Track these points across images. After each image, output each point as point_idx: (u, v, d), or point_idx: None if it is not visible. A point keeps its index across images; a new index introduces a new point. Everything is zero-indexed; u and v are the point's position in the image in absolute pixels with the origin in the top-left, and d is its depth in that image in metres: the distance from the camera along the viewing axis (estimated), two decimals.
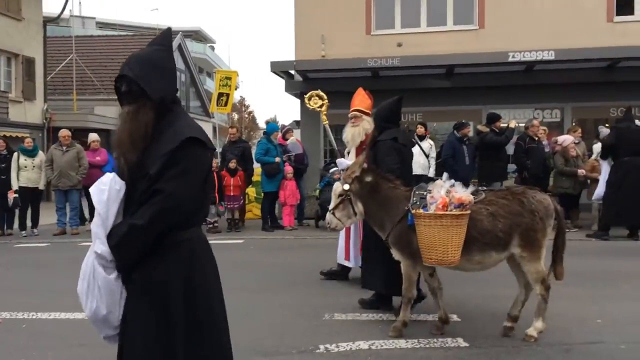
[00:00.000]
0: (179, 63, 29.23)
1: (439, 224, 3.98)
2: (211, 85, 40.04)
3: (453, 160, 10.02)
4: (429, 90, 13.42)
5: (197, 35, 44.21)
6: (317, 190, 10.71)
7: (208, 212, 2.02)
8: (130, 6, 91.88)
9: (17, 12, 19.10)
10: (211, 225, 10.52)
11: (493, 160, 10.14)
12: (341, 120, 14.32)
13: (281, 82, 14.52)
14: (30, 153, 10.43)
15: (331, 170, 10.17)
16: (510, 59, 12.13)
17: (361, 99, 6.00)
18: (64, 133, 10.62)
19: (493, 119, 10.41)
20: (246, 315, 5.05)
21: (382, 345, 4.25)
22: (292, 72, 13.87)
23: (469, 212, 4.04)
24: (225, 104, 13.44)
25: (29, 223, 10.70)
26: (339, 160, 5.98)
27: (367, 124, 5.71)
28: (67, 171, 10.32)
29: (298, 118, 27.52)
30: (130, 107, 2.21)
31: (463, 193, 4.08)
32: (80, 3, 62.31)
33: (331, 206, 4.61)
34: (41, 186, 10.39)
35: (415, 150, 10.65)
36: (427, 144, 10.83)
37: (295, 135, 12.26)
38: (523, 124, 11.99)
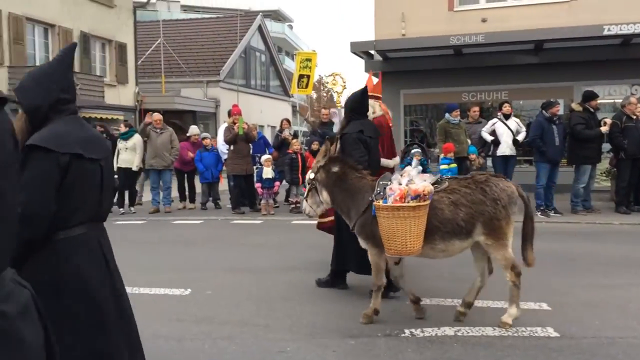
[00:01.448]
0: (259, 44, 29.77)
1: (397, 215, 4.02)
2: (290, 64, 40.47)
3: (541, 141, 9.63)
4: (515, 67, 12.93)
5: (276, 15, 44.66)
6: None
7: (104, 210, 2.55)
8: None
9: None
10: (294, 206, 10.81)
11: (585, 141, 9.65)
12: (421, 100, 14.19)
13: (360, 61, 14.48)
14: (124, 136, 11.10)
15: (412, 152, 10.10)
16: (606, 33, 11.39)
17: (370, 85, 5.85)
18: (157, 117, 11.23)
19: (589, 97, 9.86)
20: (328, 298, 5.20)
21: (468, 332, 4.25)
22: (372, 52, 13.78)
23: (427, 202, 4.06)
24: (306, 86, 13.61)
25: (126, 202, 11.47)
26: None
27: (370, 108, 5.57)
28: (161, 152, 10.97)
29: None
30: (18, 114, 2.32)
31: (422, 184, 4.09)
32: None
33: (305, 194, 4.84)
34: (135, 167, 11.06)
35: (502, 129, 10.33)
36: (514, 123, 10.44)
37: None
38: (619, 101, 11.29)
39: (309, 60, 13.45)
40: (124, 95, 20.83)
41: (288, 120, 12.15)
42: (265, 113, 27.31)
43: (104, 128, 11.63)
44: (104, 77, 19.56)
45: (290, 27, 46.09)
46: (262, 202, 10.88)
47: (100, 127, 11.57)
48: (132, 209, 11.37)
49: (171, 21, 29.52)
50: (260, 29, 29.20)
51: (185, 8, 41.97)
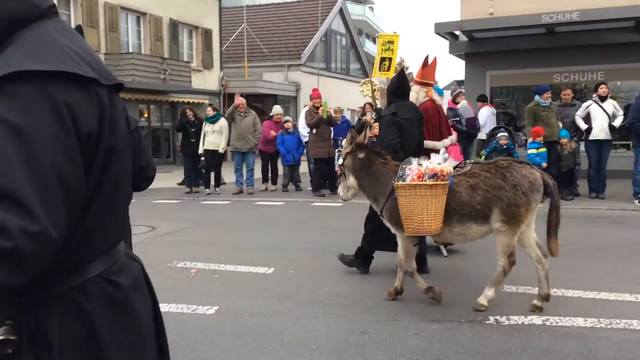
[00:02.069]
0: (340, 27, 29.68)
1: (414, 193, 4.13)
2: (371, 47, 40.08)
3: None
4: (612, 45, 12.11)
5: None
6: (483, 157, 10.36)
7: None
8: None
9: None
10: None
11: None
12: (509, 81, 13.62)
13: (443, 43, 14.11)
14: (212, 119, 11.49)
15: (498, 135, 9.77)
16: None
17: (423, 71, 5.99)
18: (240, 101, 11.55)
19: None
20: (407, 281, 5.16)
21: (557, 322, 4.09)
22: (457, 32, 13.37)
23: (445, 183, 4.12)
24: (388, 69, 13.41)
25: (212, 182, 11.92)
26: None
27: (414, 94, 5.76)
28: (245, 135, 11.29)
29: (458, 78, 26.36)
30: None
31: (440, 164, 4.17)
32: None
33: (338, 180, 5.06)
34: (221, 149, 11.44)
35: (597, 112, 9.75)
36: (610, 105, 9.81)
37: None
38: None
39: (391, 42, 13.20)
40: (209, 79, 21.54)
41: (370, 104, 12.08)
42: (346, 96, 27.27)
43: (193, 111, 12.09)
44: (190, 62, 20.30)
45: (372, 9, 45.57)
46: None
47: (189, 110, 12.05)
48: (217, 189, 11.80)
49: (254, 6, 30.04)
50: (341, 12, 29.10)
51: None
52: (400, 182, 4.24)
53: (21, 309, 1.12)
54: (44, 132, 1.01)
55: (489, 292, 4.34)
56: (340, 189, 5.05)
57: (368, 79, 7.32)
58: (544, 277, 4.30)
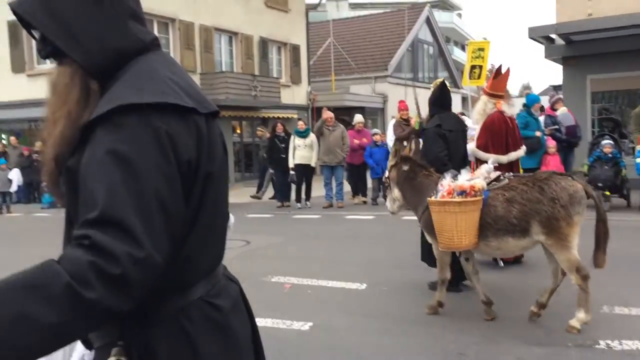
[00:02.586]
0: (427, 35, 29.30)
1: (444, 210, 4.17)
2: (459, 54, 39.23)
3: None
4: None
5: (444, 4, 43.55)
6: (585, 166, 9.78)
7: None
8: None
9: (284, 4, 21.38)
10: None
11: None
12: (612, 85, 12.77)
13: (537, 48, 13.50)
14: (303, 134, 11.71)
15: (602, 143, 9.19)
16: None
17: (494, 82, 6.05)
18: (328, 115, 11.68)
19: None
20: (503, 300, 4.95)
21: None
22: (553, 36, 12.76)
23: (476, 199, 4.11)
24: (479, 77, 13.04)
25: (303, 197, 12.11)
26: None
27: (481, 104, 5.96)
28: (333, 149, 11.41)
29: (554, 83, 25.13)
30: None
31: (472, 180, 4.21)
32: None
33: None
34: (313, 163, 11.62)
35: None
36: None
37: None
38: None
39: (482, 49, 12.87)
40: (297, 94, 21.99)
41: (463, 114, 11.79)
42: None
43: (284, 127, 12.39)
44: (280, 78, 20.83)
45: (459, 15, 44.64)
46: None
47: (280, 125, 12.35)
48: (308, 203, 11.97)
49: (340, 20, 30.38)
50: (428, 20, 28.74)
51: (353, 6, 42.90)
52: (432, 198, 4.31)
53: (131, 330, 1.18)
54: (148, 161, 1.07)
55: (580, 315, 4.10)
56: (387, 201, 5.15)
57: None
58: (551, 290, 4.36)
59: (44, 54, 1.23)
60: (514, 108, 6.53)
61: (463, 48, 38.07)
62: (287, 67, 21.80)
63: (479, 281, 4.58)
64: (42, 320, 0.95)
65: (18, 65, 16.91)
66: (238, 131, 19.81)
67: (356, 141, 11.88)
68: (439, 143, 5.09)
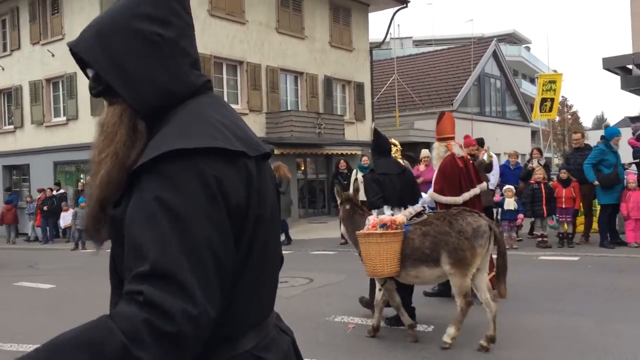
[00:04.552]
0: (494, 69, 28.81)
1: (368, 241, 4.71)
2: (527, 87, 38.30)
3: None
4: None
5: (511, 38, 42.94)
6: None
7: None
8: (446, 20, 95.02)
9: (348, 44, 21.71)
10: (540, 240, 9.96)
11: None
12: None
13: (612, 79, 12.91)
14: (366, 169, 11.60)
15: None
16: None
17: (438, 127, 6.43)
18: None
19: None
20: (599, 348, 4.55)
21: None
22: (630, 66, 12.17)
23: (395, 232, 4.64)
24: (550, 109, 12.63)
25: None
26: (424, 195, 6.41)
27: (435, 151, 6.36)
28: None
29: (630, 114, 23.94)
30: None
31: (392, 216, 4.81)
32: (398, 25, 67.41)
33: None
34: None
35: None
36: None
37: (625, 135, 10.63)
38: None
39: (553, 82, 12.49)
40: (361, 131, 22.05)
41: (539, 150, 11.34)
42: (502, 141, 26.12)
43: (347, 164, 12.36)
44: (344, 115, 20.99)
45: (528, 48, 43.76)
46: (504, 235, 10.26)
47: (343, 162, 12.34)
48: None
49: (404, 57, 30.48)
50: (494, 54, 28.31)
51: (418, 43, 43.07)
52: (359, 231, 4.89)
53: None
54: (197, 209, 1.03)
55: (451, 330, 4.63)
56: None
57: (391, 140, 7.78)
58: (491, 320, 4.55)
59: (95, 92, 1.22)
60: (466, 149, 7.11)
61: (532, 81, 37.14)
62: (351, 105, 21.97)
63: (381, 310, 5.20)
64: None
65: (98, 107, 17.95)
66: (302, 168, 20.00)
67: (421, 178, 11.64)
68: (373, 187, 5.50)
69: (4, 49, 20.53)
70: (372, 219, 4.81)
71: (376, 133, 6.05)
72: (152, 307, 0.95)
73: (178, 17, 1.23)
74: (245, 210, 1.12)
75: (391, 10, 23.09)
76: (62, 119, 18.72)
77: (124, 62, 1.16)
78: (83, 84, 18.15)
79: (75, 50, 1.20)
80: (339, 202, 5.62)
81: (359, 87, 22.20)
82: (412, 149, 22.18)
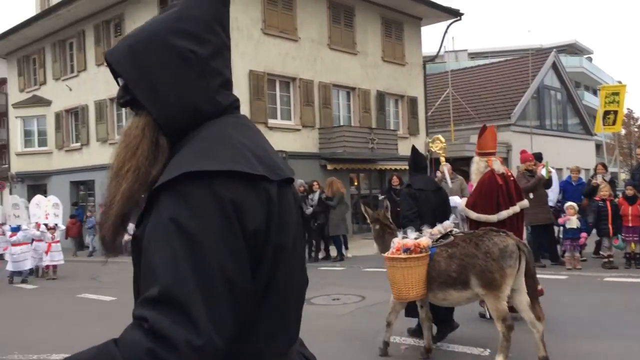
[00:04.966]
0: (554, 81, 27.90)
1: (392, 265, 4.70)
2: (590, 99, 36.86)
3: None
4: None
5: (572, 49, 41.56)
6: None
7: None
8: (502, 32, 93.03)
9: (401, 58, 21.59)
10: (606, 260, 9.45)
11: None
12: None
13: None
14: None
15: None
16: None
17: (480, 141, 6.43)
18: (447, 167, 11.31)
19: None
20: None
21: None
22: None
23: (420, 255, 4.57)
24: (614, 122, 12.07)
25: None
26: (452, 198, 6.56)
27: (474, 165, 6.38)
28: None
29: None
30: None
31: (417, 239, 4.70)
32: (453, 38, 66.73)
33: None
34: None
35: None
36: None
37: None
38: None
39: (616, 94, 11.94)
40: (415, 145, 21.77)
41: (604, 165, 10.83)
42: (564, 155, 25.18)
43: (400, 179, 12.21)
44: (397, 130, 20.81)
45: (590, 59, 42.22)
46: (567, 254, 9.80)
47: (396, 177, 12.20)
48: None
49: (459, 70, 30.01)
50: (554, 65, 27.42)
51: (473, 55, 42.38)
52: (385, 254, 4.92)
53: None
54: (211, 233, 1.00)
55: (499, 358, 4.40)
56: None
57: (437, 136, 7.48)
58: (539, 340, 4.43)
59: (122, 102, 1.22)
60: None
61: (595, 93, 35.77)
62: (405, 119, 21.77)
63: (429, 328, 5.07)
64: None
65: None
66: (356, 183, 19.92)
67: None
68: (408, 202, 5.66)
69: (72, 71, 21.60)
70: (397, 242, 4.78)
71: (413, 150, 6.20)
72: (156, 336, 0.93)
73: (215, 36, 1.21)
74: (264, 236, 1.09)
75: (445, 23, 22.84)
76: None
77: (154, 76, 1.15)
78: None
79: (109, 59, 1.21)
80: (368, 221, 5.68)
81: (412, 101, 21.99)
82: (466, 164, 21.68)
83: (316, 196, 12.82)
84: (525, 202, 6.38)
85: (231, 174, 1.05)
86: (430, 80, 25.44)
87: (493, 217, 5.96)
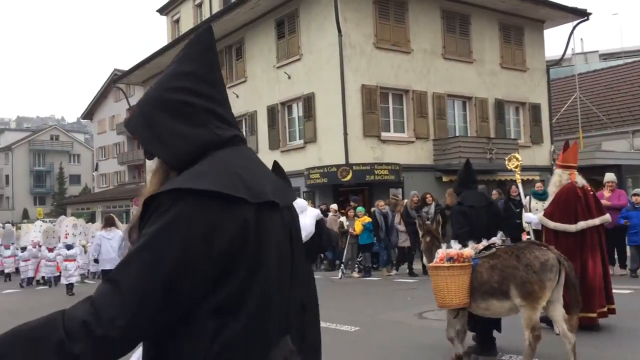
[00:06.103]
0: None
1: (436, 273, 4.84)
2: None
3: None
4: None
5: None
6: None
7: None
8: (637, 30, 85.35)
9: (522, 64, 20.61)
10: None
11: None
12: None
13: None
14: (541, 196, 10.77)
15: None
16: None
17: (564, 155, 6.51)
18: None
19: None
20: None
21: None
22: None
23: (463, 265, 4.71)
24: None
25: None
26: (526, 215, 6.79)
27: (556, 177, 6.41)
28: None
29: None
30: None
31: (461, 249, 4.84)
32: (581, 39, 62.38)
33: None
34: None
35: None
36: None
37: None
38: None
39: None
40: (538, 155, 20.60)
41: None
42: None
43: (518, 189, 11.61)
44: (518, 139, 19.84)
45: None
46: None
47: (515, 188, 11.63)
48: None
49: (588, 73, 27.97)
50: None
51: (605, 56, 39.30)
52: (429, 264, 5.08)
53: None
54: (170, 241, 1.15)
55: None
56: None
57: (513, 154, 7.32)
58: (570, 351, 4.50)
59: (147, 156, 1.44)
60: None
61: None
62: (526, 127, 20.71)
63: (462, 340, 5.09)
64: None
65: (274, 142, 19.36)
66: None
67: (608, 203, 10.44)
68: (459, 220, 5.62)
69: None
70: (441, 252, 4.93)
71: (467, 164, 6.10)
72: (93, 308, 1.11)
73: (209, 85, 1.38)
74: (236, 252, 1.20)
75: (570, 25, 21.48)
76: None
77: (158, 130, 1.35)
78: (262, 122, 19.78)
79: (128, 129, 1.44)
80: (420, 234, 5.71)
81: (535, 108, 20.86)
82: (598, 173, 20.09)
83: (431, 209, 12.57)
84: (606, 217, 6.32)
85: (210, 194, 1.19)
86: (555, 85, 23.98)
87: (571, 227, 6.00)
